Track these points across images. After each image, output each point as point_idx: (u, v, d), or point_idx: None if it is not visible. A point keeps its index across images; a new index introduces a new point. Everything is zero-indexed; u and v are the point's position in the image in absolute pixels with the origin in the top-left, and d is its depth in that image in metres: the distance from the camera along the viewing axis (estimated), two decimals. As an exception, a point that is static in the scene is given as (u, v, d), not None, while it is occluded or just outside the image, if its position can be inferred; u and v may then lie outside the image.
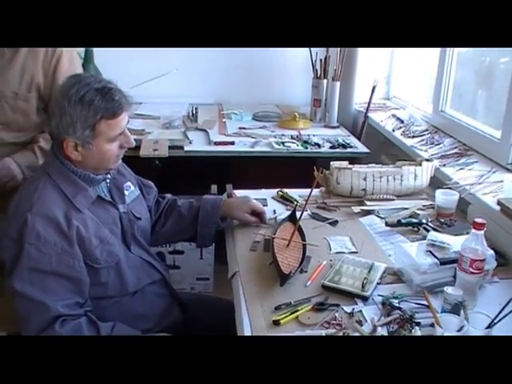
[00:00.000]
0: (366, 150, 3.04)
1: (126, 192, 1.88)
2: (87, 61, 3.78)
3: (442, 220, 2.06)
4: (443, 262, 1.62)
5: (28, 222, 1.55)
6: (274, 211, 2.15)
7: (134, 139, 2.87)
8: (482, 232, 1.51)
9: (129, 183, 1.92)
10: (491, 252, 1.65)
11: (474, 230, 1.51)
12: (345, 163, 2.29)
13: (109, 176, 1.80)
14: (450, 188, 2.15)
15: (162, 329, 1.81)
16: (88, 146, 1.64)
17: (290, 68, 3.96)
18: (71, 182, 1.67)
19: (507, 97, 2.22)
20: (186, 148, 2.94)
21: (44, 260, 1.56)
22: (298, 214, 1.99)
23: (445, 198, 2.09)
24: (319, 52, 3.47)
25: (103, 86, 1.63)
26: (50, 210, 1.59)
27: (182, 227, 2.04)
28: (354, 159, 2.90)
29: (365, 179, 2.24)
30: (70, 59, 2.22)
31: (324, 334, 1.41)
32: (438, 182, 2.31)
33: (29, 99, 2.15)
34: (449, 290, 1.46)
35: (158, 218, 2.06)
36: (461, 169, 2.31)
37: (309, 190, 2.23)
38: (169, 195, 2.14)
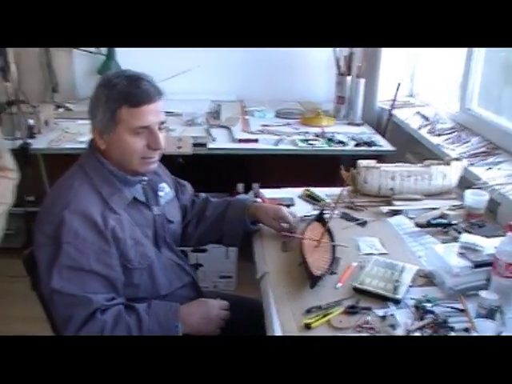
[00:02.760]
0: (392, 148, 3.01)
1: (161, 193, 1.84)
2: (109, 58, 3.80)
3: (472, 221, 2.02)
4: (477, 265, 1.59)
5: (65, 220, 1.52)
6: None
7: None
8: (519, 235, 1.48)
9: (164, 184, 1.88)
10: (526, 255, 1.61)
11: (509, 233, 1.48)
12: (372, 162, 2.25)
13: (145, 178, 1.76)
14: (479, 188, 2.11)
15: None
16: (110, 132, 1.60)
17: (312, 64, 3.93)
18: (108, 183, 1.64)
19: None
20: (209, 145, 2.93)
21: (83, 259, 1.54)
22: (325, 213, 1.97)
23: (475, 198, 2.05)
24: (343, 48, 3.44)
25: (135, 74, 1.61)
26: (87, 208, 1.56)
27: (208, 226, 2.00)
28: (379, 157, 2.87)
29: (393, 178, 2.21)
30: None
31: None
32: (466, 181, 2.27)
33: None
34: (483, 294, 1.44)
35: (191, 219, 2.02)
36: (489, 168, 2.28)
37: (335, 189, 2.22)
38: (203, 195, 2.09)
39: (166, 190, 1.88)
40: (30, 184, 3.13)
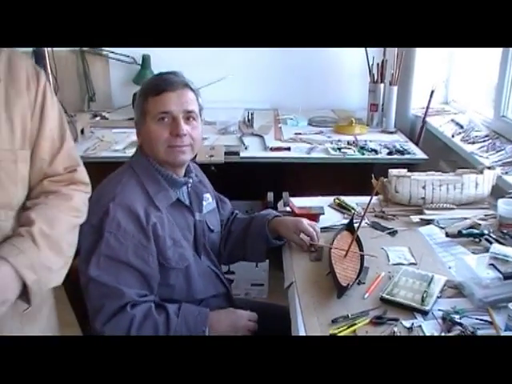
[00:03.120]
0: (425, 157, 2.98)
1: (204, 203, 1.90)
2: (144, 67, 3.87)
3: (505, 231, 1.99)
4: (507, 277, 1.57)
5: (110, 211, 1.60)
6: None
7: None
8: (548, 246, 1.46)
9: (208, 195, 1.94)
10: (558, 265, 1.59)
11: (539, 245, 1.46)
12: (403, 171, 2.24)
13: (190, 180, 1.83)
14: (512, 197, 2.08)
15: None
16: (142, 127, 1.73)
17: (345, 72, 3.93)
18: (154, 181, 1.72)
19: None
20: (241, 154, 2.95)
21: (121, 250, 1.59)
22: (355, 222, 1.97)
23: (508, 207, 2.02)
24: (376, 56, 3.43)
25: (166, 71, 1.75)
26: (132, 203, 1.63)
27: (233, 242, 2.04)
28: (412, 165, 2.85)
29: (424, 187, 2.19)
30: (51, 90, 1.48)
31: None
32: (499, 190, 2.24)
33: (26, 160, 1.38)
34: (513, 306, 1.42)
35: (223, 235, 2.06)
36: (524, 177, 2.24)
37: (366, 198, 2.20)
38: (235, 211, 2.14)
39: (209, 201, 1.94)
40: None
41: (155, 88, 1.70)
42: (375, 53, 3.45)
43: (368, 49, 3.43)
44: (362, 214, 1.96)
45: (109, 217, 1.59)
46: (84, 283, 1.61)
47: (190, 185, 1.84)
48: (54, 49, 3.43)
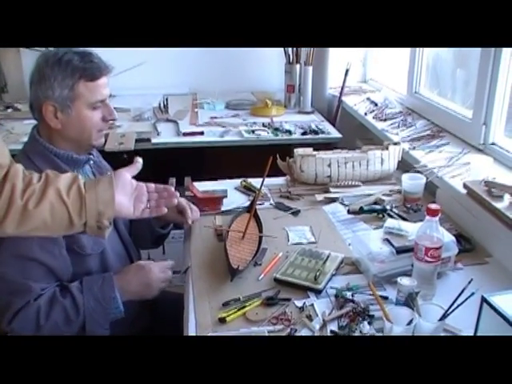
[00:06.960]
0: (339, 136, 2.96)
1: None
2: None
3: (409, 205, 1.99)
4: (400, 251, 1.55)
5: None
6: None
7: (102, 133, 2.84)
8: (437, 218, 1.44)
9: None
10: (451, 238, 1.58)
11: (428, 217, 1.44)
12: (309, 150, 2.21)
13: (91, 157, 1.76)
14: (418, 172, 2.07)
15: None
16: (67, 110, 1.60)
17: (264, 54, 3.87)
18: (54, 166, 1.59)
19: (477, 75, 2.16)
20: (153, 140, 2.87)
21: (25, 246, 1.51)
22: (257, 204, 1.92)
23: (411, 182, 2.02)
24: (291, 36, 3.39)
25: (83, 50, 1.62)
26: None
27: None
28: (328, 145, 2.83)
29: (329, 166, 2.16)
30: None
31: (270, 330, 1.35)
32: (407, 165, 2.24)
33: None
34: (402, 280, 1.39)
35: None
36: (431, 151, 2.24)
37: (275, 179, 2.17)
38: None
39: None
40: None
41: (89, 73, 1.59)
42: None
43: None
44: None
45: None
46: None
47: (92, 162, 1.77)
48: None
